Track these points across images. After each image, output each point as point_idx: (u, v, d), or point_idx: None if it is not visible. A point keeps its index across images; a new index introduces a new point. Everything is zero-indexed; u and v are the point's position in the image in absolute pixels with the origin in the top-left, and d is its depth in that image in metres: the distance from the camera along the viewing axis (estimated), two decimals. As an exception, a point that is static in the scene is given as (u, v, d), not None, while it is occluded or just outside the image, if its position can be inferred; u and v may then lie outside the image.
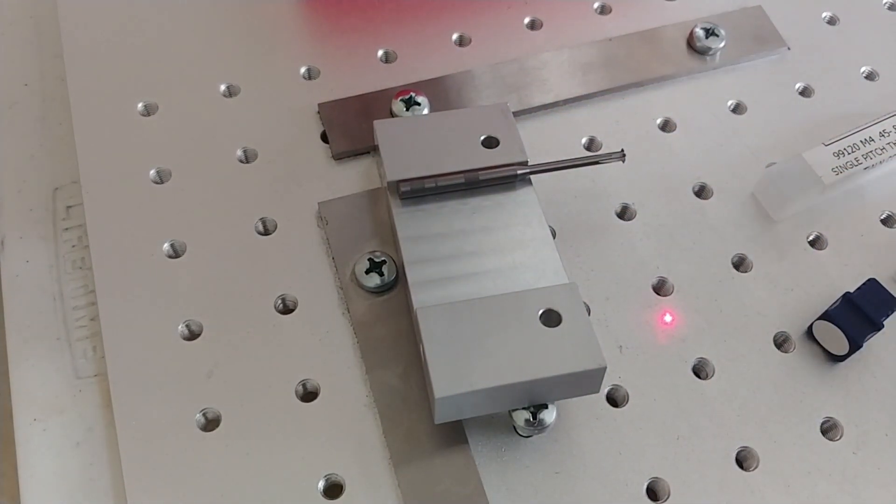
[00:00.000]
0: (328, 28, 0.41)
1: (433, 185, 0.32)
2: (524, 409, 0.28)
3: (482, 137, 0.33)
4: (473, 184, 0.32)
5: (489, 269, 0.30)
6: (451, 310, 0.28)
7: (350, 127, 0.37)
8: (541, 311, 0.28)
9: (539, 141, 0.37)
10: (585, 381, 0.28)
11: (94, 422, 0.31)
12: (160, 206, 0.35)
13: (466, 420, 0.30)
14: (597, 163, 0.33)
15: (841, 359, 0.32)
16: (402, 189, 0.32)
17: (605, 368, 0.27)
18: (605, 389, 0.31)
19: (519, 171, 0.32)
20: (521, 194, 0.32)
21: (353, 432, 0.30)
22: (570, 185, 0.36)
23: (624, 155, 0.33)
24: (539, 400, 0.28)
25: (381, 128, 0.33)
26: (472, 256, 0.30)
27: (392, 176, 0.32)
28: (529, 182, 0.33)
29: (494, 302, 0.28)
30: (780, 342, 0.32)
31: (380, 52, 0.40)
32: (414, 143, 0.33)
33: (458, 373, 0.27)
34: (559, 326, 0.28)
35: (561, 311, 0.28)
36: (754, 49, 0.41)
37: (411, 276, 0.30)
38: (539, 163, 0.33)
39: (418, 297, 0.29)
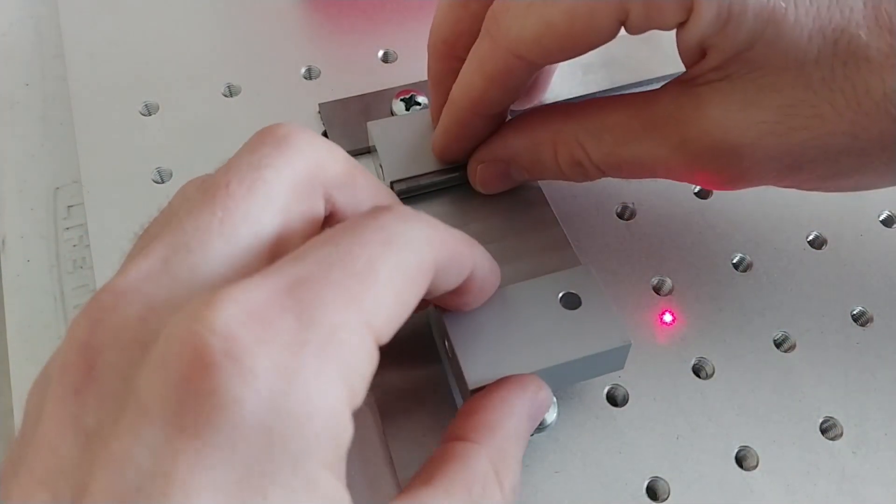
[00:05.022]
0: (328, 28, 0.41)
1: (430, 181, 0.32)
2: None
3: None
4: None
5: (503, 256, 0.30)
6: None
7: (350, 127, 0.37)
8: (560, 295, 0.28)
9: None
10: (612, 360, 0.28)
11: (95, 421, 0.31)
12: (161, 206, 0.35)
13: (466, 419, 0.30)
14: None
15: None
16: (398, 189, 0.32)
17: (630, 345, 0.27)
18: (604, 389, 0.31)
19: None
20: (523, 185, 0.32)
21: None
22: (570, 185, 0.36)
23: None
24: (566, 382, 0.28)
25: (376, 128, 0.33)
26: (482, 245, 0.30)
27: (392, 176, 0.32)
28: None
29: (513, 291, 0.28)
30: (780, 341, 0.32)
31: (380, 52, 0.40)
32: (411, 142, 0.33)
33: (488, 362, 0.27)
34: (580, 309, 0.28)
35: (580, 294, 0.28)
36: (754, 49, 0.40)
37: None
38: None
39: None
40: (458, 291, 0.25)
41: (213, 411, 0.16)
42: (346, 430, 0.19)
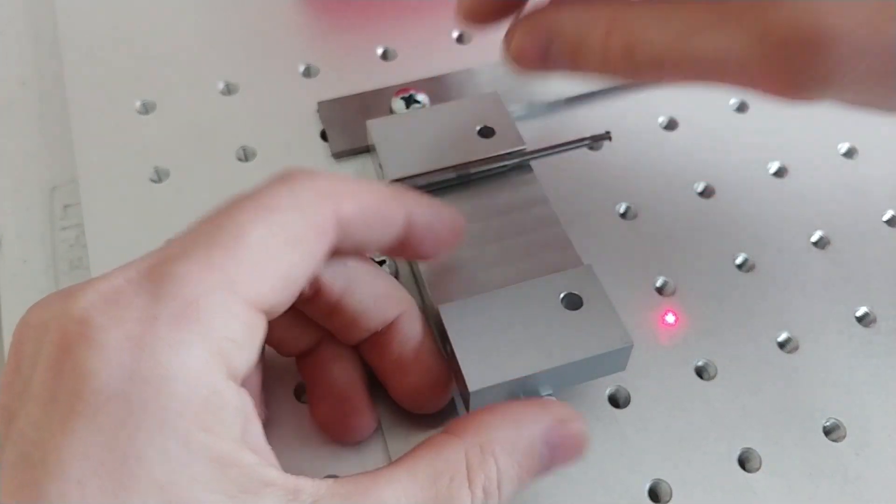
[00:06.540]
0: (327, 25, 0.40)
1: (430, 180, 0.32)
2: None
3: (478, 128, 0.33)
4: (472, 175, 0.32)
5: (503, 256, 0.30)
6: (472, 304, 0.28)
7: (349, 125, 0.37)
8: (561, 296, 0.28)
9: (541, 140, 0.37)
10: (613, 361, 0.28)
11: (92, 423, 0.31)
12: (158, 205, 0.34)
13: (467, 421, 0.30)
14: (588, 146, 0.34)
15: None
16: None
17: (632, 346, 0.27)
18: (606, 390, 0.31)
19: (508, 162, 0.32)
20: (524, 181, 0.32)
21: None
22: (571, 185, 0.36)
23: (609, 135, 0.33)
24: (568, 384, 0.28)
25: (375, 127, 0.33)
26: (483, 245, 0.30)
27: (392, 175, 0.32)
28: (530, 168, 0.33)
29: (514, 291, 0.28)
30: (783, 343, 0.32)
31: (379, 50, 0.39)
32: (410, 140, 0.32)
33: (488, 365, 0.26)
34: (581, 309, 0.28)
35: (581, 294, 0.28)
36: (757, 47, 0.40)
37: (426, 274, 0.30)
38: (531, 150, 0.33)
39: (436, 295, 0.29)
40: (407, 243, 0.26)
41: (74, 384, 0.19)
42: (219, 392, 0.19)
